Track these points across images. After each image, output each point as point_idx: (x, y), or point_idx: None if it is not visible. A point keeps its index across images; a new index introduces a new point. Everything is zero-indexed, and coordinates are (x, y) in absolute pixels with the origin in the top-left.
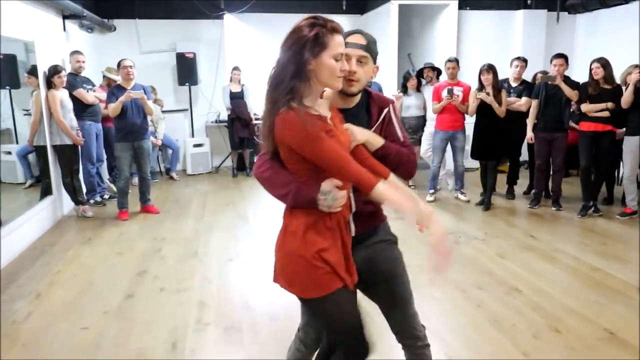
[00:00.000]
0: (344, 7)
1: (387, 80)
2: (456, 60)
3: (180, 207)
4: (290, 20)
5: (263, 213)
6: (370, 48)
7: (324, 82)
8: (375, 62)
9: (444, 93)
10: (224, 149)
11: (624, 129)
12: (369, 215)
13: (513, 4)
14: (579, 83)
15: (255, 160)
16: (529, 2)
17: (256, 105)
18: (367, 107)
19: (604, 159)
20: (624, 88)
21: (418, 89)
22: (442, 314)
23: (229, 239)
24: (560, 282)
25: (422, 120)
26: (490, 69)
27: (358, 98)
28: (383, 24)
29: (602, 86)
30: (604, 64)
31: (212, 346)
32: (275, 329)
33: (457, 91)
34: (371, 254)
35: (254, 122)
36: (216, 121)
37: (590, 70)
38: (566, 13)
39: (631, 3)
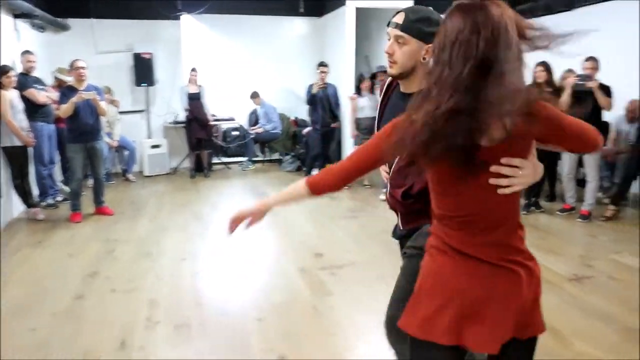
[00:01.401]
0: (302, 10)
1: (344, 82)
2: None
3: (136, 208)
4: (248, 22)
5: (218, 213)
6: (409, 27)
7: None
8: (427, 42)
9: None
10: (182, 150)
11: None
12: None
13: None
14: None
15: None
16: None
17: (213, 106)
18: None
19: (546, 158)
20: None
21: (372, 90)
22: (379, 306)
23: (183, 238)
24: None
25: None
26: None
27: (417, 82)
28: (340, 27)
29: (544, 89)
30: (547, 67)
31: (161, 343)
32: (225, 325)
33: None
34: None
35: (212, 123)
36: (174, 122)
37: (534, 73)
38: None
39: (574, 10)
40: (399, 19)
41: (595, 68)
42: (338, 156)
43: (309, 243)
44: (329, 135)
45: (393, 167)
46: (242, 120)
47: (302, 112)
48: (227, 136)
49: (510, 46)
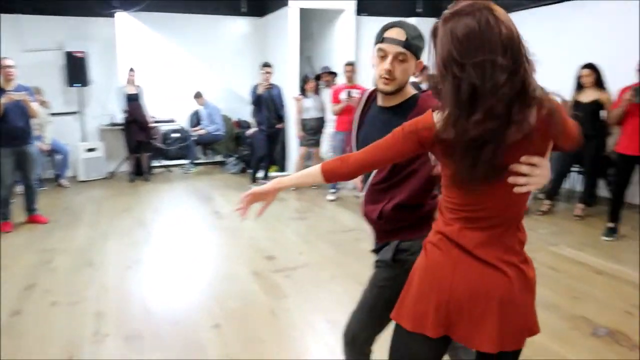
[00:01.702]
0: (244, 10)
1: (288, 83)
2: (353, 64)
3: (72, 215)
4: (188, 21)
5: (162, 218)
6: (411, 44)
7: None
8: (418, 58)
9: (343, 95)
10: (120, 153)
11: None
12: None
13: (405, 12)
14: None
15: None
16: (418, 10)
17: (153, 108)
18: (408, 110)
19: None
20: None
21: (316, 91)
22: (343, 307)
23: (127, 245)
24: None
25: (321, 122)
26: None
27: (401, 97)
28: (283, 27)
29: None
30: None
31: (111, 357)
32: (179, 334)
33: (355, 93)
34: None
35: (152, 125)
36: (111, 124)
37: None
38: None
39: (514, 12)
40: (399, 35)
41: None
42: (283, 158)
43: (260, 246)
44: (274, 136)
45: (370, 180)
46: (183, 122)
47: (244, 113)
48: (167, 138)
49: (523, 47)
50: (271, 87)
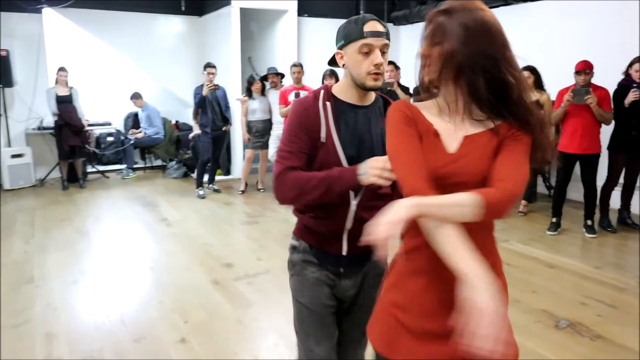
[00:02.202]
0: (183, 8)
1: (230, 84)
2: (301, 65)
3: (2, 227)
4: (122, 19)
5: (105, 227)
6: (389, 35)
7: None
8: None
9: (292, 97)
10: (50, 159)
11: None
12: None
13: (345, 14)
14: (408, 88)
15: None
16: (361, 11)
17: (87, 110)
18: (382, 108)
19: None
20: None
21: (263, 92)
22: None
23: (70, 258)
24: None
25: (268, 124)
26: (333, 73)
27: (372, 95)
28: (224, 27)
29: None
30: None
31: None
32: (144, 351)
33: (303, 95)
34: (361, 282)
35: (87, 128)
36: (39, 128)
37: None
38: (392, 24)
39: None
40: (379, 27)
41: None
42: (227, 161)
43: (216, 253)
44: (219, 139)
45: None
46: (118, 125)
47: (183, 115)
48: (100, 142)
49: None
50: (217, 87)
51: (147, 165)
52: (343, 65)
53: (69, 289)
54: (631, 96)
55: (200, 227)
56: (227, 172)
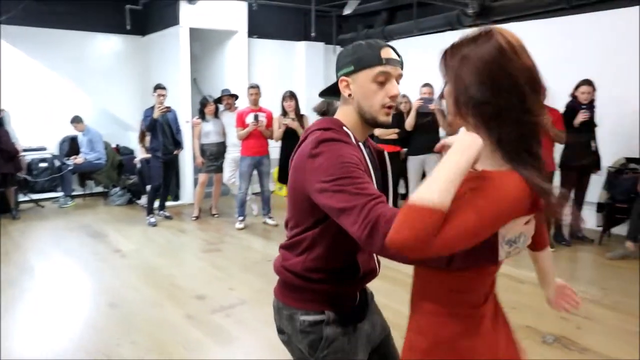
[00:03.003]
0: (129, 27)
1: (180, 106)
2: (258, 87)
3: None
4: (59, 37)
5: (53, 261)
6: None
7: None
8: None
9: (250, 119)
10: None
11: (406, 149)
12: None
13: (295, 35)
14: None
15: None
16: (313, 34)
17: (20, 134)
18: (370, 147)
19: (392, 177)
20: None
21: (216, 115)
22: None
23: (15, 301)
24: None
25: (222, 147)
26: (292, 95)
27: None
28: (171, 47)
29: None
30: None
31: None
32: None
33: (262, 117)
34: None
35: (21, 154)
36: None
37: None
38: (339, 46)
39: (390, 41)
40: (396, 55)
41: (432, 93)
42: (176, 186)
43: (183, 285)
44: (170, 163)
45: None
46: (53, 150)
47: (124, 138)
48: (33, 169)
49: None
50: (168, 110)
51: (86, 192)
52: (349, 95)
53: (19, 336)
54: (581, 117)
55: (159, 257)
56: (176, 197)
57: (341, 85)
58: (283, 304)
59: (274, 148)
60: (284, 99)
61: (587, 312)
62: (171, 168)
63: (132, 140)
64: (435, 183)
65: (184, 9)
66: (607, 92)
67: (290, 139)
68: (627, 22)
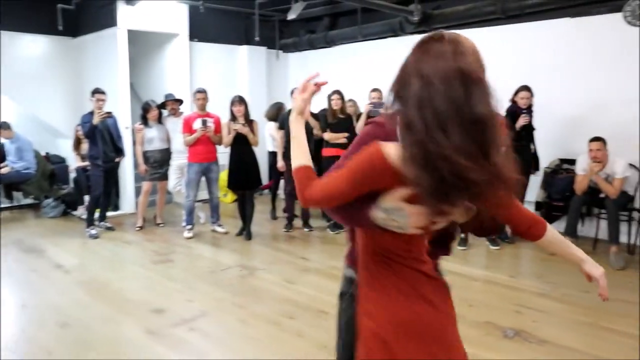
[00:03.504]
0: (61, 27)
1: (119, 112)
2: (205, 91)
3: None
4: None
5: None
6: None
7: None
8: None
9: (197, 124)
10: None
11: None
12: None
13: (237, 39)
14: (317, 114)
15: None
16: (257, 38)
17: None
18: None
19: None
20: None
21: (159, 120)
22: (273, 351)
23: None
24: None
25: (167, 154)
26: (242, 100)
27: None
28: (107, 50)
29: (339, 115)
30: (342, 95)
31: None
32: None
33: (210, 122)
34: None
35: None
36: None
37: (330, 100)
38: (281, 51)
39: (333, 47)
40: None
41: (381, 97)
42: (115, 195)
43: (137, 299)
44: (112, 171)
45: None
46: None
47: (55, 145)
48: None
49: None
50: (109, 115)
51: (14, 205)
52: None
53: None
54: (522, 120)
55: (107, 271)
56: (116, 207)
57: None
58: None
59: (222, 154)
60: (232, 103)
61: (539, 305)
62: (112, 176)
63: (63, 148)
64: (292, 152)
65: (121, 9)
66: (542, 97)
67: (239, 144)
68: (556, 32)
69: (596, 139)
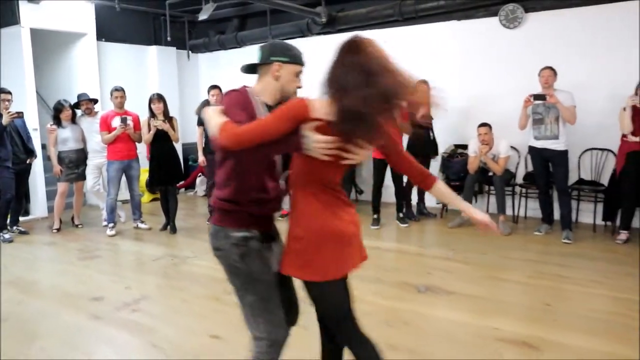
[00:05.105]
0: None
1: (26, 112)
2: (123, 90)
3: None
4: None
5: None
6: None
7: None
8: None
9: (117, 122)
10: None
11: None
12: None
13: (145, 40)
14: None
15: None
16: (169, 38)
17: None
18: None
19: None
20: None
21: (73, 120)
22: (213, 324)
23: None
24: None
25: (82, 154)
26: (161, 98)
27: None
28: (12, 49)
29: None
30: (221, 90)
31: None
32: None
33: (130, 120)
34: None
35: None
36: None
37: (211, 96)
38: (191, 52)
39: (243, 47)
40: None
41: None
42: (27, 199)
43: (75, 292)
44: (24, 173)
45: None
46: None
47: None
48: None
49: None
50: (20, 115)
51: None
52: (277, 76)
53: None
54: (421, 111)
55: (33, 271)
56: (26, 212)
57: (273, 67)
58: (220, 227)
59: (141, 153)
60: (151, 101)
61: (445, 267)
62: (24, 179)
63: None
64: (210, 122)
65: (24, 7)
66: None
67: (160, 141)
68: (446, 33)
69: (483, 124)
